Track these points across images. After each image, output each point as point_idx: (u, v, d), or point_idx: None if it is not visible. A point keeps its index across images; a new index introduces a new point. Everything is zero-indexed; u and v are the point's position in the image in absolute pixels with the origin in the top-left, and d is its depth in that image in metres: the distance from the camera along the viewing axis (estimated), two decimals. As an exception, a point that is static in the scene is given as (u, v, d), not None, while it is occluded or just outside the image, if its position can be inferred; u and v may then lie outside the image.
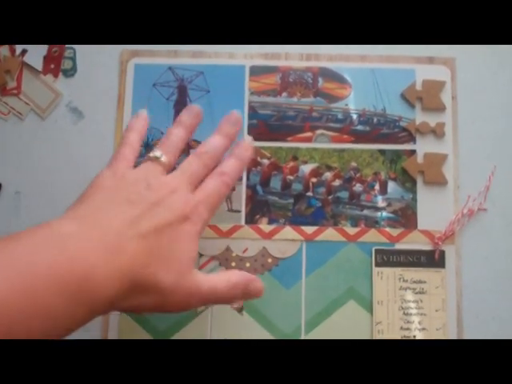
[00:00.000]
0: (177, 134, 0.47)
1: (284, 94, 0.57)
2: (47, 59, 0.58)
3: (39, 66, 0.58)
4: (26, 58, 0.57)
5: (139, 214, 0.40)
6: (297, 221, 0.55)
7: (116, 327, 0.53)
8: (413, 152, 0.56)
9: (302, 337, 0.53)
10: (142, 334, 0.53)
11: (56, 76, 0.58)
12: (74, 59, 0.58)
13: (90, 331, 0.52)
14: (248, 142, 0.49)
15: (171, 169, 0.46)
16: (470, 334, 0.53)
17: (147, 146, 0.56)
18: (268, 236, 0.55)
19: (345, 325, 0.53)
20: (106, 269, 0.37)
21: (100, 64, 0.58)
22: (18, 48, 0.58)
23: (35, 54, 0.58)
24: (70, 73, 0.58)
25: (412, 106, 0.56)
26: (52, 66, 0.58)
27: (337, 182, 0.56)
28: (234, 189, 0.55)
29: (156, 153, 0.45)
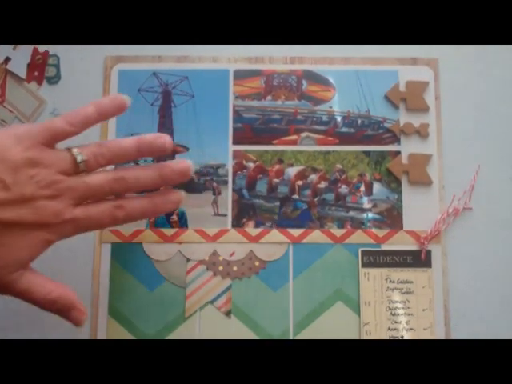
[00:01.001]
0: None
1: (268, 97, 0.57)
2: (31, 67, 0.58)
3: (23, 73, 0.58)
4: (10, 66, 0.57)
5: (2, 200, 0.39)
6: (283, 223, 0.55)
7: (104, 332, 0.53)
8: (397, 153, 0.56)
9: (291, 339, 0.53)
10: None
11: (40, 83, 0.58)
12: (57, 66, 0.58)
13: (77, 336, 0.52)
14: (178, 196, 0.47)
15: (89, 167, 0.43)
16: (457, 334, 0.53)
17: (133, 151, 0.56)
18: (255, 239, 0.55)
19: (333, 326, 0.53)
20: None
21: (84, 71, 0.58)
22: (1, 56, 0.57)
23: (19, 61, 0.57)
24: (54, 80, 0.58)
25: (396, 107, 0.56)
26: (36, 73, 0.58)
27: (322, 184, 0.56)
28: (219, 193, 0.56)
29: (75, 151, 0.43)
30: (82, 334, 0.53)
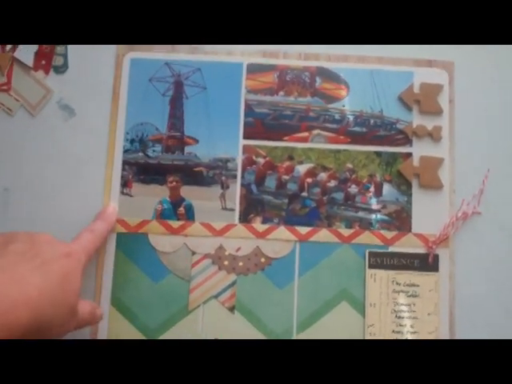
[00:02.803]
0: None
1: (281, 92, 0.57)
2: (38, 55, 0.57)
3: (30, 61, 0.57)
4: (17, 54, 0.57)
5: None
6: (291, 221, 0.55)
7: (106, 325, 0.53)
8: (409, 155, 0.55)
9: (294, 337, 0.53)
10: (132, 332, 0.53)
11: (47, 72, 0.57)
12: (65, 56, 0.57)
13: (75, 335, 0.51)
14: (112, 208, 0.54)
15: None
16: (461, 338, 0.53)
17: (141, 141, 0.56)
18: (262, 235, 0.54)
19: (337, 326, 0.53)
20: None
21: (93, 59, 0.57)
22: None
23: (26, 49, 0.57)
24: (62, 69, 0.57)
25: (409, 109, 0.56)
26: (43, 62, 0.57)
27: (332, 183, 0.55)
28: (228, 187, 0.55)
29: None
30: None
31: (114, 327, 0.53)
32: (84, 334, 0.52)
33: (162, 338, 0.53)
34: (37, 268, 0.42)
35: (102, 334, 0.53)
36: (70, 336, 0.47)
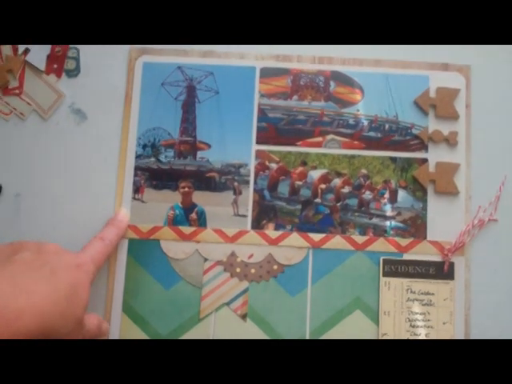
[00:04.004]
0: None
1: (295, 97, 0.56)
2: (50, 59, 0.56)
3: (42, 65, 0.56)
4: (29, 58, 0.56)
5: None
6: (304, 227, 0.54)
7: (117, 331, 0.53)
8: (424, 160, 0.54)
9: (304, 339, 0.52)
10: (144, 339, 0.52)
11: (59, 76, 0.56)
12: (77, 59, 0.56)
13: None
14: (123, 213, 0.54)
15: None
16: (477, 348, 0.52)
17: (153, 146, 0.55)
18: (274, 242, 0.54)
19: (350, 335, 0.52)
20: None
21: (105, 63, 0.56)
22: (21, 47, 0.56)
23: (38, 53, 0.56)
24: (74, 73, 0.56)
25: (425, 114, 0.55)
26: (55, 65, 0.56)
27: (346, 189, 0.54)
28: (240, 193, 0.54)
29: None
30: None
31: (125, 334, 0.53)
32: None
33: (173, 345, 0.52)
34: (45, 277, 0.42)
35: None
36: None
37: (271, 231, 0.54)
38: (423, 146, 0.55)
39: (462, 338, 0.52)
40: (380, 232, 0.54)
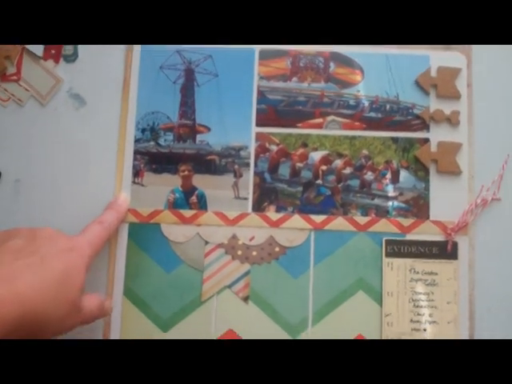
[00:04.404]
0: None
1: (294, 78, 0.55)
2: (48, 44, 0.56)
3: (40, 51, 0.56)
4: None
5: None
6: (305, 209, 0.53)
7: (119, 316, 0.52)
8: (426, 140, 0.54)
9: (309, 328, 0.52)
10: (145, 323, 0.52)
11: (57, 62, 0.56)
12: (75, 45, 0.56)
13: (90, 325, 0.51)
14: (123, 197, 0.53)
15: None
16: (481, 328, 0.51)
17: (153, 130, 0.55)
18: (276, 224, 0.53)
19: (353, 316, 0.52)
20: None
21: (103, 48, 0.56)
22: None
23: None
24: (71, 58, 0.56)
25: (426, 94, 0.55)
26: (53, 51, 0.56)
27: (347, 170, 0.54)
28: (240, 175, 0.54)
29: None
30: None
31: (126, 318, 0.52)
32: (97, 326, 0.51)
33: (175, 328, 0.52)
34: (33, 265, 0.41)
35: (115, 325, 0.52)
36: (82, 329, 0.47)
37: (272, 213, 0.53)
38: (425, 126, 0.54)
39: (467, 317, 0.51)
40: (382, 213, 0.53)
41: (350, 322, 0.52)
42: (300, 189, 0.54)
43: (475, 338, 0.51)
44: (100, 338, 0.52)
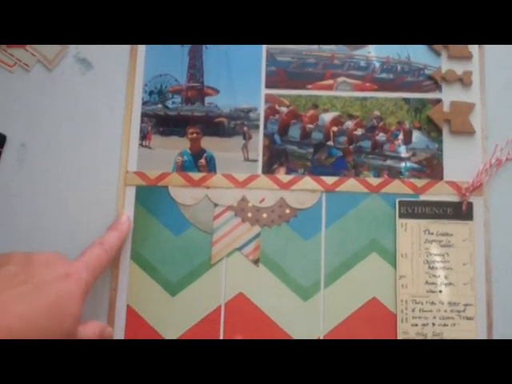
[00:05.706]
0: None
1: (304, 40, 0.55)
2: (54, 8, 0.55)
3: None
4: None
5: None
6: (316, 171, 0.52)
7: (126, 280, 0.51)
8: (438, 101, 0.53)
9: (321, 290, 0.50)
10: (154, 287, 0.51)
11: (64, 25, 0.55)
12: (83, 7, 0.55)
13: (96, 290, 0.50)
14: (125, 217, 0.51)
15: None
16: (498, 289, 0.50)
17: (160, 92, 0.54)
18: (286, 186, 0.52)
19: (367, 278, 0.50)
20: None
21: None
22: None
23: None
24: (79, 21, 0.55)
25: (437, 54, 0.54)
26: (60, 15, 0.55)
27: (359, 131, 0.53)
28: (250, 137, 0.53)
29: None
30: (104, 278, 0.50)
31: (134, 282, 0.51)
32: (103, 292, 0.51)
33: (183, 292, 0.51)
34: (25, 294, 0.40)
35: (122, 290, 0.51)
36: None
37: (283, 175, 0.52)
38: (437, 87, 0.53)
39: (483, 278, 0.50)
40: (395, 174, 0.52)
41: (364, 284, 0.50)
42: (311, 150, 0.53)
43: (492, 299, 0.50)
44: (107, 304, 0.51)
